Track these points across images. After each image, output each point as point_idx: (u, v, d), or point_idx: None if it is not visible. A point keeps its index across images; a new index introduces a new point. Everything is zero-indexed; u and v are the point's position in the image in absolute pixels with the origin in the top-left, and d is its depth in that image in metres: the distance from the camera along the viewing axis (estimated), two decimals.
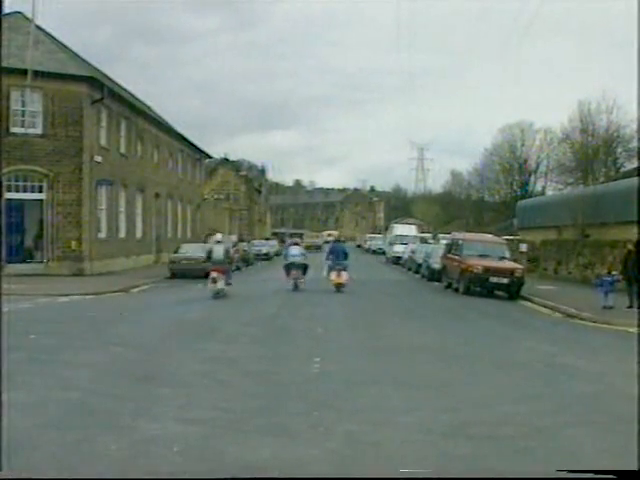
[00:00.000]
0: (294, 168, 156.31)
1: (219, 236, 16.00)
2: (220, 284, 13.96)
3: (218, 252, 14.35)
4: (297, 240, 19.45)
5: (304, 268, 16.19)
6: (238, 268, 25.94)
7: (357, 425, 4.47)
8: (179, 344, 7.83)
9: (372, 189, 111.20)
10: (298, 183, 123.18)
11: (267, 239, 53.02)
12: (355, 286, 18.01)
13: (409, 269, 26.97)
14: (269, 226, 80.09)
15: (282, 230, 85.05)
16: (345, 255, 16.21)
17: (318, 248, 42.25)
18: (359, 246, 66.48)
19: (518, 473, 3.19)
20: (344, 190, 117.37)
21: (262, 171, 75.84)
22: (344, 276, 15.84)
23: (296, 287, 15.73)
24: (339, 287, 15.66)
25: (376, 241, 50.93)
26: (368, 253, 51.55)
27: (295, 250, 16.43)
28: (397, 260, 32.06)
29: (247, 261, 29.36)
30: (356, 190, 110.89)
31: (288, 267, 16.19)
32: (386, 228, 49.21)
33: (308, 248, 20.90)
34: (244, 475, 3.01)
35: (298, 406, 4.97)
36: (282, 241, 60.63)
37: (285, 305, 12.84)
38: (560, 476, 2.70)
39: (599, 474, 2.44)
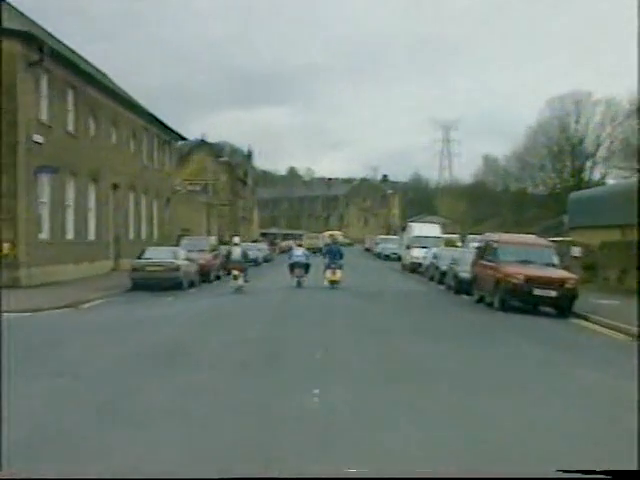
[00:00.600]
0: (288, 153, 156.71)
1: (237, 239, 22.54)
2: (240, 281, 20.25)
3: (236, 253, 20.89)
4: (301, 242, 27.65)
5: (306, 267, 22.25)
6: (217, 277, 26.04)
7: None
8: (144, 372, 7.90)
9: (385, 179, 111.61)
10: (293, 172, 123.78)
11: (254, 241, 53.09)
12: (363, 298, 18.52)
13: (431, 278, 27.13)
14: (257, 225, 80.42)
15: (273, 230, 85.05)
16: (340, 255, 21.91)
17: (318, 251, 42.90)
18: (368, 250, 66.68)
19: (518, 473, 3.75)
20: (350, 180, 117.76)
21: (248, 156, 76.09)
22: (338, 274, 21.59)
23: (299, 284, 21.64)
24: (334, 284, 21.37)
25: (389, 244, 51.31)
26: (379, 258, 51.66)
27: (299, 251, 22.96)
28: (416, 267, 32.34)
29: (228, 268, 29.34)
30: (365, 180, 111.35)
31: (292, 266, 22.33)
32: (402, 228, 49.19)
33: (307, 250, 25.21)
34: (244, 475, 3.52)
35: (293, 449, 5.03)
36: (272, 244, 61.01)
37: (278, 326, 12.95)
38: (560, 476, 3.14)
39: (599, 474, 2.85)
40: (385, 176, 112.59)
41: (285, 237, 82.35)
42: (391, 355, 9.61)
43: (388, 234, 71.36)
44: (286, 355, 9.37)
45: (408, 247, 35.36)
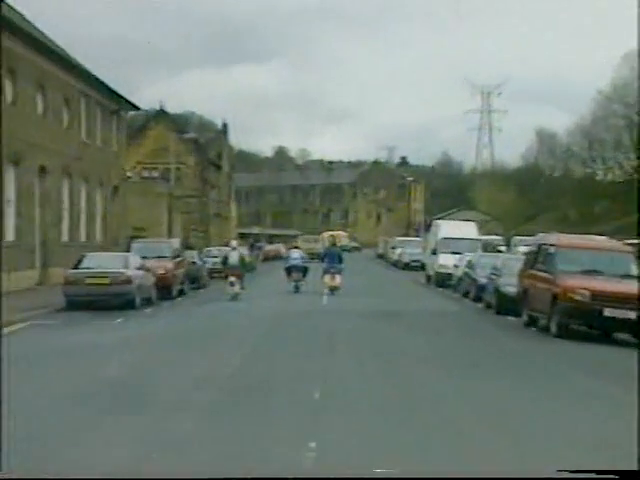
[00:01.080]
0: (275, 128, 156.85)
1: (234, 243, 27.85)
2: (237, 287, 24.64)
3: (233, 257, 25.50)
4: (297, 244, 34.24)
5: (304, 271, 27.43)
6: (182, 292, 26.44)
7: None
8: (82, 423, 7.96)
9: (404, 162, 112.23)
10: (282, 153, 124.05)
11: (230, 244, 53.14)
12: (374, 320, 18.75)
13: (464, 294, 27.39)
14: (234, 223, 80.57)
15: (255, 230, 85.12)
16: (340, 259, 26.95)
17: (317, 257, 44.00)
18: (381, 256, 66.91)
19: (518, 473, 4.76)
20: (357, 164, 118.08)
21: (223, 132, 76.18)
22: (338, 279, 26.44)
23: (297, 289, 26.93)
24: (333, 290, 26.15)
25: (410, 248, 51.72)
26: (396, 267, 51.95)
27: (296, 254, 28.10)
28: (445, 279, 32.64)
29: (196, 280, 29.98)
30: (377, 164, 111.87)
31: (289, 270, 27.64)
32: (427, 227, 49.22)
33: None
34: (244, 475, 4.49)
35: None
36: (254, 247, 61.14)
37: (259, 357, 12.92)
38: (560, 476, 4.12)
39: (599, 474, 3.69)
40: (404, 158, 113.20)
41: (271, 239, 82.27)
42: (405, 398, 9.59)
43: (408, 235, 71.45)
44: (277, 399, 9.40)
45: (434, 252, 35.41)
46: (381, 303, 24.15)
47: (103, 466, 5.85)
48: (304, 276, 27.31)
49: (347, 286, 26.90)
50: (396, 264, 53.13)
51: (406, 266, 49.23)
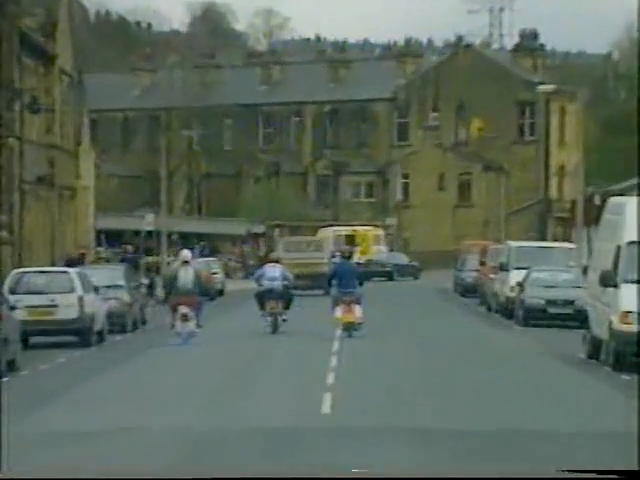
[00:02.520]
0: None
1: (187, 253, 42.81)
2: (192, 323, 38.30)
3: (186, 277, 39.07)
4: (276, 257, 47.09)
5: (288, 299, 41.37)
6: None
7: None
8: None
9: (532, 47, 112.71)
10: (214, 18, 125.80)
11: (78, 259, 57.57)
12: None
13: None
14: (91, 205, 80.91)
15: (145, 225, 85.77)
16: (360, 281, 38.66)
17: (312, 283, 58.39)
18: (472, 289, 68.50)
19: (518, 473, 9.85)
20: (409, 52, 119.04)
21: None
22: (357, 311, 37.95)
23: (275, 328, 40.96)
24: (349, 328, 38.41)
25: (548, 271, 53.81)
26: (510, 319, 54.24)
27: (274, 271, 41.89)
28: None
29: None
30: (460, 52, 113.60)
31: (261, 296, 41.54)
32: (596, 215, 49.09)
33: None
34: (246, 476, 9.15)
35: None
36: (136, 265, 62.33)
37: None
38: (560, 476, 9.00)
39: (599, 474, 8.17)
40: (533, 36, 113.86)
41: (187, 243, 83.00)
42: None
43: (544, 237, 71.88)
44: None
45: (610, 282, 35.06)
46: (469, 415, 25.58)
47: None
48: (287, 307, 38.13)
49: (388, 365, 31.19)
50: (509, 309, 54.53)
51: (536, 316, 50.18)
